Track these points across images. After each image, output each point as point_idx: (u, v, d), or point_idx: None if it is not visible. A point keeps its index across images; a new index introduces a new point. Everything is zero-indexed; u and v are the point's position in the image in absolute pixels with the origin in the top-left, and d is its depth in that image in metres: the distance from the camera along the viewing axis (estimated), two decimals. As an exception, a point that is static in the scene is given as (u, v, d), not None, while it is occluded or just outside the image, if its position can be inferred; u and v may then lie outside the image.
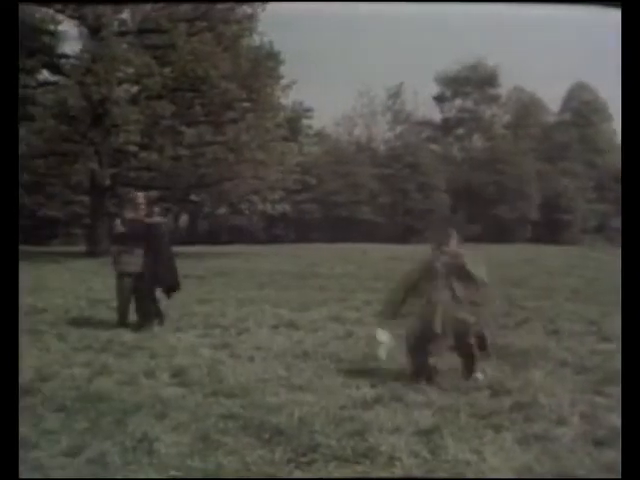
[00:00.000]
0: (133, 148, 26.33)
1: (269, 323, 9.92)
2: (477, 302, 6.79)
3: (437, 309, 6.62)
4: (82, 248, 28.74)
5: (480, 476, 4.35)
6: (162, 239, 9.75)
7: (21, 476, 3.86)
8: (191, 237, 35.57)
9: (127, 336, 8.73)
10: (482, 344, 6.81)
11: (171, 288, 9.75)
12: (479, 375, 6.63)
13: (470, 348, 6.70)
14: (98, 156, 24.97)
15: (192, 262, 18.30)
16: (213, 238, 37.98)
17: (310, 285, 15.21)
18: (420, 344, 6.68)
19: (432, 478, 4.38)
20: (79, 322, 9.94)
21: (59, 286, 14.76)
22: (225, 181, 27.81)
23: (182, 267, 10.05)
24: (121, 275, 9.60)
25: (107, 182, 25.58)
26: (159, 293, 9.75)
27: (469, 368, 6.70)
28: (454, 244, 7.16)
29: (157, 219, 10.06)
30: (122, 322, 9.47)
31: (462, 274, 6.83)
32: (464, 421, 5.31)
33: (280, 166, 27.59)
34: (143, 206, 9.78)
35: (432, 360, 6.61)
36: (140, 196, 10.03)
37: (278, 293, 13.77)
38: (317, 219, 44.61)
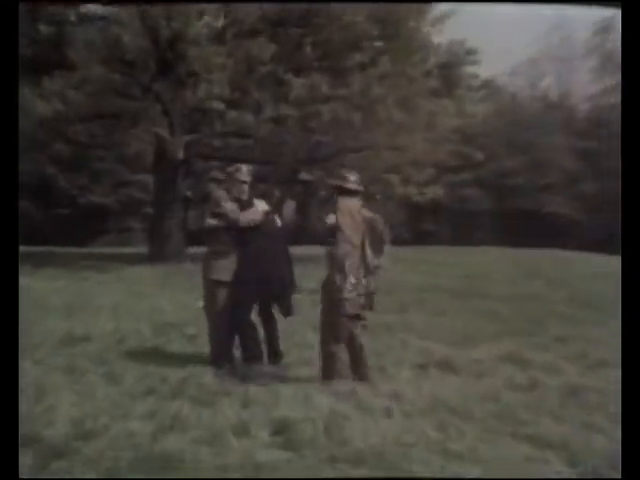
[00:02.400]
0: (218, 106, 26.49)
1: (414, 361, 9.97)
2: None
3: None
4: (142, 249, 29.56)
5: None
6: (276, 236, 9.81)
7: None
8: (300, 233, 35.86)
9: (209, 377, 8.83)
10: None
11: (285, 309, 9.79)
12: None
13: None
14: (167, 117, 25.42)
15: (303, 269, 18.22)
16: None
17: (474, 308, 15.12)
18: None
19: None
20: (138, 356, 10.17)
21: (109, 304, 15.23)
22: (348, 153, 28.04)
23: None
24: (215, 284, 9.63)
25: (180, 154, 25.89)
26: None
27: None
28: None
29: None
30: (217, 359, 9.51)
31: None
32: None
33: (429, 132, 27.54)
34: (247, 186, 9.82)
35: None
36: (244, 171, 9.93)
37: (427, 318, 13.88)
38: (484, 211, 44.29)
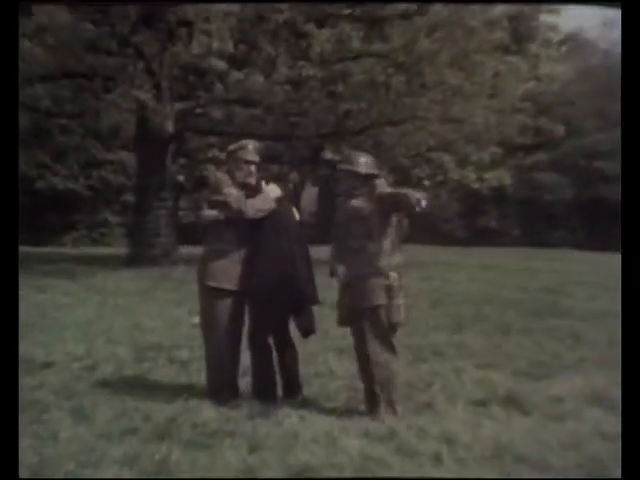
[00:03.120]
0: (218, 64, 26.41)
1: (470, 397, 9.85)
2: None
3: None
4: (120, 249, 29.53)
5: None
6: (293, 231, 9.53)
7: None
8: (323, 228, 35.58)
9: (207, 413, 8.79)
10: None
11: (304, 327, 9.60)
12: None
13: None
14: (152, 79, 25.38)
15: (320, 277, 18.02)
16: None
17: (550, 329, 15.06)
18: None
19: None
20: (115, 387, 10.12)
21: (77, 321, 15.29)
22: (386, 125, 27.88)
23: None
24: (214, 294, 9.44)
25: (169, 127, 26.06)
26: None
27: None
28: None
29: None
30: (217, 391, 9.46)
31: None
32: None
33: (493, 99, 27.43)
34: (255, 168, 9.62)
35: None
36: (251, 149, 9.71)
37: (488, 340, 13.83)
38: (564, 203, 43.91)
